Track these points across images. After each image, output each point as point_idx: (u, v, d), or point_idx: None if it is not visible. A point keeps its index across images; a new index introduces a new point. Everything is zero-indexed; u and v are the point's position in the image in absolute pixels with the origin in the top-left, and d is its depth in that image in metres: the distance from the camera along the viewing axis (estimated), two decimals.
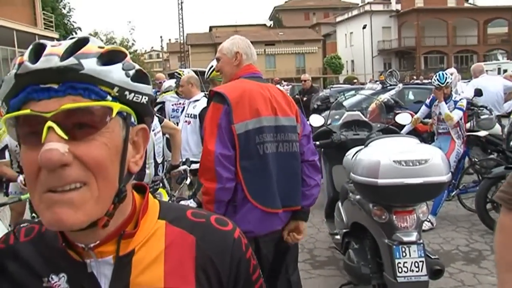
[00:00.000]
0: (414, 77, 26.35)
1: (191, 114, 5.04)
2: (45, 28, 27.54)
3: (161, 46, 67.98)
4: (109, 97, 0.79)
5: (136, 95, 0.83)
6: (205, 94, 5.31)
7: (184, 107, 5.56)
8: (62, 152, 0.73)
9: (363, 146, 3.73)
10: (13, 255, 0.90)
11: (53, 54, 0.76)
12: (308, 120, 8.74)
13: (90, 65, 0.77)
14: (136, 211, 0.90)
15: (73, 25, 34.93)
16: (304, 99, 10.49)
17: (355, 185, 3.51)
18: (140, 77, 0.84)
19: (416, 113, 6.55)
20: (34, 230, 0.94)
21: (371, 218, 3.37)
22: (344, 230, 4.01)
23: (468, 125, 6.73)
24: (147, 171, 4.11)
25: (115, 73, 0.80)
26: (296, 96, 11.38)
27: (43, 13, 27.99)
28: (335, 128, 5.17)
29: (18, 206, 4.83)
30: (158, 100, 7.45)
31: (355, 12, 55.01)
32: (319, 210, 5.35)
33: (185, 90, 5.27)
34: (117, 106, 0.79)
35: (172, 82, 7.56)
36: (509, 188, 1.36)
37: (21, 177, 4.53)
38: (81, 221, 0.76)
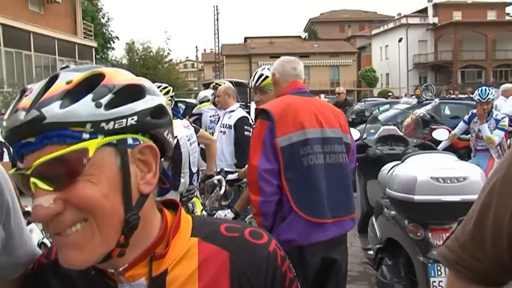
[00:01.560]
0: (451, 92, 25.87)
1: (226, 125, 5.11)
2: (84, 37, 28.31)
3: (196, 56, 68.81)
4: (85, 135, 0.75)
5: (117, 121, 0.77)
6: (240, 105, 5.36)
7: (219, 116, 5.64)
8: (47, 206, 0.73)
9: (399, 162, 3.70)
10: (54, 271, 0.91)
11: (21, 109, 0.74)
12: None
13: (52, 112, 0.73)
14: (167, 230, 0.88)
15: (111, 34, 35.76)
16: None
17: (390, 200, 3.48)
18: (123, 98, 0.78)
19: (453, 128, 6.44)
20: None
21: (406, 234, 3.33)
22: (378, 246, 3.97)
23: (509, 141, 6.57)
24: (182, 180, 4.17)
25: (82, 109, 0.74)
26: None
27: (83, 23, 28.79)
28: (370, 142, 5.13)
29: None
30: (194, 112, 7.54)
31: (391, 25, 54.51)
32: (355, 224, 5.31)
33: (222, 100, 5.35)
34: (93, 144, 0.75)
35: (207, 92, 7.65)
36: (455, 245, 0.98)
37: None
38: (88, 260, 0.78)
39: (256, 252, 0.90)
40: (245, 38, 64.32)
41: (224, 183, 5.00)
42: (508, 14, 55.39)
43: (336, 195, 2.72)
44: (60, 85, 0.75)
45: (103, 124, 0.76)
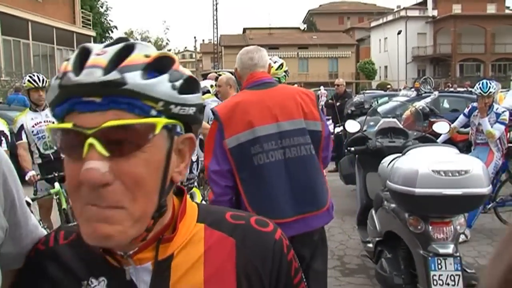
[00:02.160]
0: (449, 85, 25.83)
1: None
2: (83, 26, 28.15)
3: (195, 46, 68.59)
4: (153, 112, 0.75)
5: (182, 107, 0.78)
6: None
7: None
8: (102, 172, 0.71)
9: (400, 154, 3.67)
10: (52, 257, 0.90)
11: (96, 66, 0.73)
12: (341, 125, 8.70)
13: (134, 80, 0.73)
14: (174, 215, 0.87)
15: (109, 24, 35.60)
16: (338, 104, 10.39)
17: (391, 193, 3.46)
18: (188, 87, 0.79)
19: (452, 122, 6.41)
20: (74, 233, 0.93)
21: (406, 227, 3.31)
22: (377, 239, 3.95)
23: (509, 134, 6.55)
24: None
25: (160, 86, 0.75)
26: (330, 101, 11.31)
27: (82, 12, 28.61)
28: (370, 134, 5.11)
29: (46, 202, 4.93)
30: None
31: (390, 17, 54.37)
32: (351, 217, 5.31)
33: (223, 90, 5.28)
34: (161, 122, 0.75)
35: (206, 83, 7.59)
36: None
37: (29, 174, 4.64)
38: (119, 239, 0.75)
39: (262, 239, 0.90)
40: (244, 29, 64.04)
41: None
42: (508, 7, 55.23)
43: (300, 191, 2.63)
44: (139, 56, 0.75)
45: (172, 106, 0.76)
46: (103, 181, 0.71)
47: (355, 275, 4.71)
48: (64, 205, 4.67)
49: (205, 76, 10.97)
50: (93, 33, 28.95)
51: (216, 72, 6.31)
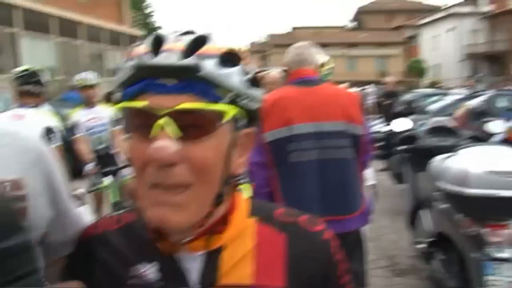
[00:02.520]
0: (505, 84, 24.85)
1: None
2: (131, 27, 28.87)
3: (244, 46, 69.11)
4: (223, 101, 0.77)
5: (250, 101, 0.81)
6: None
7: None
8: (172, 151, 0.73)
9: (451, 153, 3.55)
10: (103, 241, 0.92)
11: (174, 50, 0.75)
12: (389, 124, 8.53)
13: (210, 67, 0.75)
14: (227, 208, 0.88)
15: (153, 25, 36.43)
16: (386, 102, 10.19)
17: (442, 193, 3.35)
18: (255, 82, 0.83)
19: (508, 121, 6.15)
20: (123, 219, 0.95)
21: (459, 229, 3.19)
22: (429, 240, 3.83)
23: None
24: None
25: (233, 77, 0.78)
26: (378, 99, 11.12)
27: (129, 12, 29.36)
28: (420, 133, 4.98)
29: (99, 195, 5.09)
30: None
31: (440, 14, 52.83)
32: (401, 216, 5.20)
33: (272, 89, 5.24)
34: (230, 111, 0.77)
35: None
36: None
37: (88, 167, 4.79)
38: (183, 223, 0.77)
39: (312, 238, 0.91)
40: (293, 28, 63.93)
41: None
42: None
43: (332, 193, 2.58)
44: (213, 47, 0.78)
45: (240, 98, 0.79)
46: (171, 160, 0.73)
47: (406, 276, 4.61)
48: (115, 199, 4.80)
49: None
50: (140, 33, 29.65)
51: (260, 71, 6.28)
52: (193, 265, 0.85)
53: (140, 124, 0.76)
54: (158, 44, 0.77)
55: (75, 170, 7.43)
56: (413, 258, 4.94)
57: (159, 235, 0.85)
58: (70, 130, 5.01)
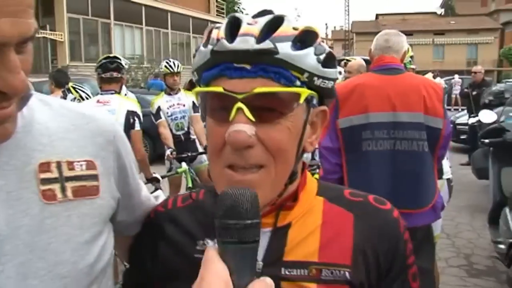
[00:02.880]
0: None
1: None
2: (217, 15, 29.41)
3: (326, 33, 68.10)
4: (297, 82, 0.79)
5: (324, 80, 0.82)
6: None
7: None
8: (249, 135, 0.75)
9: None
10: (170, 219, 0.96)
11: (249, 35, 0.77)
12: (476, 115, 8.09)
13: (285, 50, 0.76)
14: (297, 185, 0.91)
15: (242, 12, 36.79)
16: (474, 93, 9.66)
17: None
18: (329, 61, 0.82)
19: None
20: (191, 198, 1.00)
21: None
22: (511, 240, 3.62)
23: None
24: (304, 154, 4.15)
25: (307, 58, 0.79)
26: (465, 89, 10.57)
27: (216, 0, 29.88)
28: (508, 126, 4.68)
29: (176, 179, 5.25)
30: None
31: None
32: (482, 214, 4.95)
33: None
34: (305, 93, 0.79)
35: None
36: None
37: (168, 151, 4.96)
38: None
39: (380, 216, 0.91)
40: (377, 15, 62.12)
41: None
42: None
43: (402, 186, 2.50)
44: (288, 28, 0.79)
45: (315, 78, 0.80)
46: (249, 143, 0.76)
47: (483, 277, 4.38)
48: (190, 184, 4.96)
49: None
50: None
51: (345, 59, 6.18)
52: (261, 241, 0.86)
53: (217, 107, 0.79)
54: (233, 28, 0.79)
55: (155, 154, 7.75)
56: (491, 259, 4.68)
57: None
58: (153, 115, 5.25)
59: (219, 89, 0.77)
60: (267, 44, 0.76)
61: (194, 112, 5.27)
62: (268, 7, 0.85)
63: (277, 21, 0.79)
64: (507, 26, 52.99)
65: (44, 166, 0.79)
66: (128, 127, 4.05)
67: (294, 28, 0.79)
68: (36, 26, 0.70)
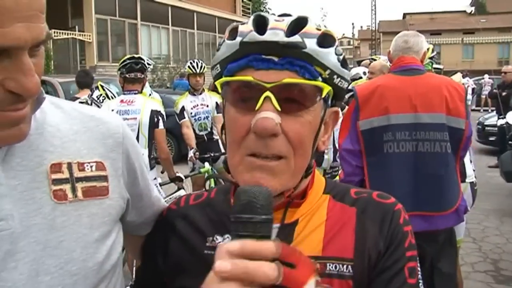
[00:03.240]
0: None
1: None
2: (243, 15, 29.47)
3: (352, 33, 67.77)
4: (320, 78, 0.83)
5: (341, 80, 0.86)
6: None
7: None
8: (276, 122, 0.78)
9: None
10: (182, 216, 1.00)
11: (278, 29, 0.81)
12: (505, 117, 7.91)
13: (311, 45, 0.81)
14: (306, 184, 0.94)
15: (268, 12, 36.80)
16: (503, 93, 9.43)
17: None
18: (345, 63, 0.87)
19: None
20: (203, 196, 1.04)
21: None
22: None
23: None
24: (325, 156, 4.14)
25: (330, 56, 0.83)
26: (494, 90, 10.34)
27: (242, 0, 29.95)
28: None
29: (199, 179, 5.27)
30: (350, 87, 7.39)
31: None
32: (510, 218, 4.83)
33: (375, 77, 5.06)
34: (326, 88, 0.83)
35: (359, 69, 7.43)
36: None
37: (192, 152, 4.97)
38: (276, 189, 0.82)
39: (382, 208, 0.93)
40: (404, 14, 61.36)
41: None
42: None
43: (425, 188, 2.47)
44: (312, 28, 0.84)
45: (335, 76, 0.85)
46: (275, 131, 0.78)
47: (511, 284, 4.27)
48: (212, 184, 4.97)
49: (359, 63, 10.78)
50: None
51: (371, 59, 6.10)
52: None
53: (243, 97, 0.82)
54: (261, 24, 0.82)
55: (180, 154, 7.80)
56: None
57: None
58: (177, 115, 5.29)
59: (249, 78, 0.80)
60: (296, 38, 0.80)
61: (218, 112, 5.31)
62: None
63: (303, 21, 0.83)
64: None
65: (56, 167, 0.83)
66: (153, 126, 4.12)
67: (317, 29, 0.84)
68: (48, 30, 0.72)
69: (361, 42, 63.44)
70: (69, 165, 0.84)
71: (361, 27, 72.73)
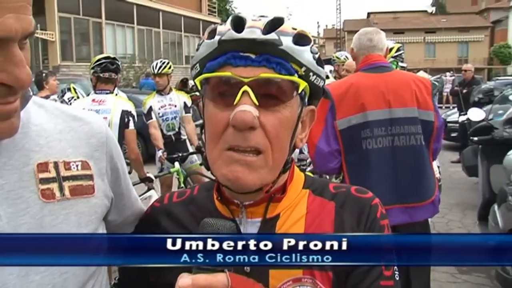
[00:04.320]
0: None
1: None
2: (208, 14, 29.37)
3: (318, 32, 68.26)
4: (296, 75, 0.86)
5: (317, 77, 0.89)
6: None
7: None
8: (254, 115, 0.81)
9: None
10: (166, 213, 1.02)
11: (256, 27, 0.84)
12: (466, 113, 8.16)
13: (287, 43, 0.84)
14: (286, 179, 0.96)
15: (233, 11, 36.76)
16: (464, 91, 9.73)
17: None
18: (321, 62, 0.90)
19: None
20: (186, 193, 1.05)
21: None
22: None
23: None
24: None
25: (306, 54, 0.87)
26: (456, 87, 10.64)
27: (207, 0, 29.83)
28: (497, 124, 4.74)
29: (167, 179, 5.26)
30: None
31: None
32: (472, 211, 4.99)
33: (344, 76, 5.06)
34: (303, 84, 0.86)
35: (326, 68, 7.50)
36: None
37: (160, 153, 4.95)
38: (254, 183, 0.85)
39: (359, 202, 0.96)
40: (368, 13, 62.25)
41: None
42: None
43: (405, 180, 2.56)
44: (288, 27, 0.87)
45: (310, 74, 0.88)
46: (253, 123, 0.81)
47: (473, 274, 4.43)
48: (182, 184, 4.96)
49: (326, 62, 10.89)
50: (218, 20, 30.02)
51: (337, 57, 6.17)
52: (251, 230, 0.92)
53: (222, 92, 0.85)
54: (239, 23, 0.85)
55: (148, 154, 7.74)
56: None
57: (223, 198, 0.94)
58: (144, 115, 5.23)
59: (228, 73, 0.83)
60: (272, 36, 0.83)
61: (186, 112, 5.27)
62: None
63: (279, 20, 0.86)
64: (497, 25, 53.30)
65: (42, 166, 0.83)
66: (123, 126, 4.08)
67: (293, 28, 0.87)
68: (35, 23, 0.73)
69: (326, 41, 64.04)
70: (56, 164, 0.85)
71: (326, 26, 73.47)
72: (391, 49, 3.52)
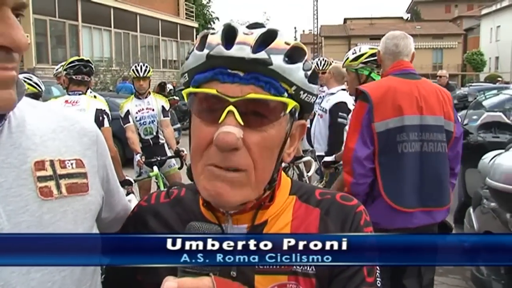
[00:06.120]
0: None
1: (323, 108, 4.82)
2: (186, 18, 29.29)
3: (295, 37, 68.51)
4: (285, 94, 0.83)
5: (308, 95, 0.87)
6: (343, 88, 4.89)
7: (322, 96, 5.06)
8: (237, 137, 0.79)
9: (503, 150, 3.43)
10: (153, 213, 1.01)
11: (246, 44, 0.81)
12: None
13: (278, 62, 0.82)
14: (274, 187, 0.95)
15: (211, 15, 36.68)
16: None
17: (491, 191, 3.25)
18: (313, 77, 0.88)
19: None
20: (173, 194, 1.04)
21: (508, 229, 3.09)
22: None
23: None
24: None
25: (297, 72, 0.84)
26: None
27: (185, 4, 29.76)
28: (472, 129, 4.84)
29: (146, 183, 5.24)
30: None
31: (505, 3, 50.38)
32: (449, 214, 5.06)
33: (326, 78, 5.05)
34: (291, 104, 0.84)
35: None
36: None
37: (137, 157, 4.92)
38: (236, 200, 0.84)
39: (344, 209, 0.96)
40: (345, 19, 63.02)
41: (313, 165, 4.93)
42: None
43: (430, 185, 2.62)
44: (281, 42, 0.84)
45: (301, 92, 0.86)
46: (236, 145, 0.79)
47: (450, 275, 4.50)
48: (161, 187, 4.92)
49: None
50: (195, 25, 30.02)
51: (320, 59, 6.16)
52: None
53: (207, 108, 0.83)
54: (230, 36, 0.83)
55: (125, 158, 7.67)
56: None
57: (208, 205, 0.92)
58: (121, 119, 5.19)
59: (213, 91, 0.81)
60: (262, 55, 0.81)
61: (164, 116, 5.24)
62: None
63: (272, 34, 0.84)
64: (469, 32, 54.57)
65: (39, 164, 0.84)
66: (98, 125, 4.01)
67: (286, 43, 0.84)
68: None
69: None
70: (52, 163, 0.86)
71: (303, 31, 73.92)
72: (363, 55, 3.46)
